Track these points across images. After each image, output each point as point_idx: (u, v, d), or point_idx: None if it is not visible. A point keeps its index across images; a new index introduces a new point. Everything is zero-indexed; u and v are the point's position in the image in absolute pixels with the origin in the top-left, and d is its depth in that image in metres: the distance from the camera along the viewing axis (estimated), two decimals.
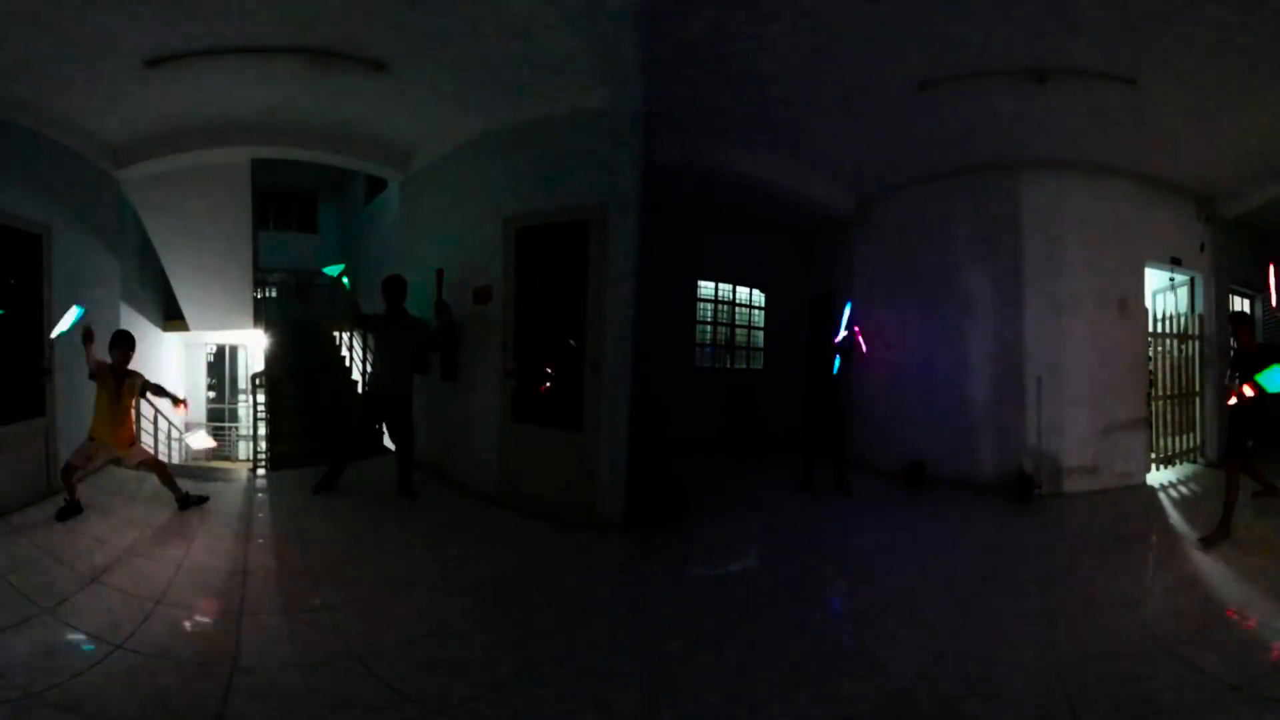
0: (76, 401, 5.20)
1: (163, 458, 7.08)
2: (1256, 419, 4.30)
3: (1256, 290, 7.86)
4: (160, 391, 5.00)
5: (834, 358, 5.54)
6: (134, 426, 5.04)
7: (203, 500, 5.03)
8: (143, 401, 5.86)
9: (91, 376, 4.64)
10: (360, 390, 5.26)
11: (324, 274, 5.90)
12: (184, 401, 5.18)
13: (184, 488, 4.99)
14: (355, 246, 11.65)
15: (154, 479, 4.99)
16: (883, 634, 3.20)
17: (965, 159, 6.05)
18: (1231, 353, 4.82)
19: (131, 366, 4.81)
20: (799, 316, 7.36)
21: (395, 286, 5.47)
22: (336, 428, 5.70)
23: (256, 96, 5.01)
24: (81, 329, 4.58)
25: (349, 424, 5.55)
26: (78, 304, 4.69)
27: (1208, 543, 4.12)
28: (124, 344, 4.75)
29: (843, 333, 5.57)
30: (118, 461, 5.34)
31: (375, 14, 3.86)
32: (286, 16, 3.89)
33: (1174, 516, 4.89)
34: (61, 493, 4.58)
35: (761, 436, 7.68)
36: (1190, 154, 5.71)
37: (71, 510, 4.46)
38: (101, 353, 4.70)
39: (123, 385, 4.69)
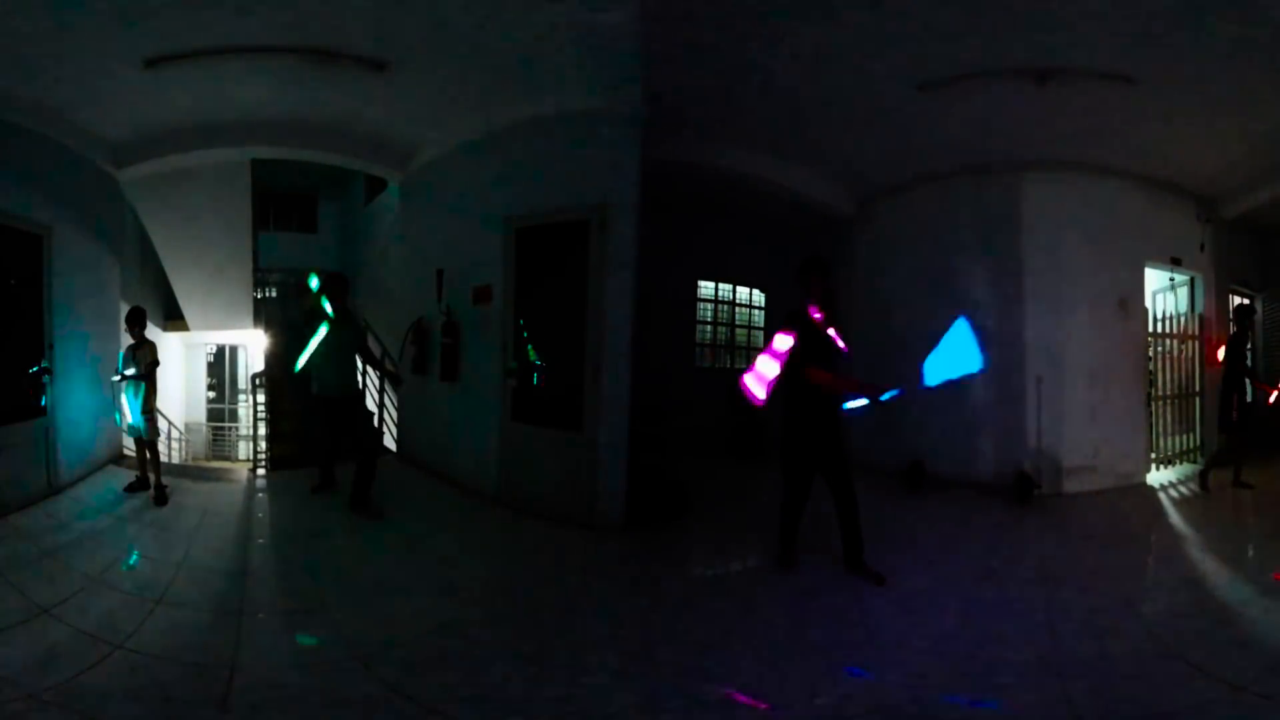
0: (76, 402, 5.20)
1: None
2: None
3: (1257, 290, 7.86)
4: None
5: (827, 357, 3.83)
6: (152, 399, 5.23)
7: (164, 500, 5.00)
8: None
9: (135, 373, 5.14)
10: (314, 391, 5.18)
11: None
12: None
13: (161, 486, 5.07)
14: (355, 246, 11.64)
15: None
16: (883, 633, 3.20)
17: (965, 159, 6.03)
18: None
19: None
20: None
21: (338, 284, 5.27)
22: (323, 428, 5.60)
23: (256, 96, 5.01)
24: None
25: (315, 429, 5.44)
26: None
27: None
28: (134, 319, 5.19)
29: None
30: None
31: (375, 13, 3.86)
32: (286, 16, 3.89)
33: (1174, 516, 4.88)
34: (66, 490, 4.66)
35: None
36: (1190, 154, 5.70)
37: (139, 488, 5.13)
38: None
39: (136, 354, 5.14)
